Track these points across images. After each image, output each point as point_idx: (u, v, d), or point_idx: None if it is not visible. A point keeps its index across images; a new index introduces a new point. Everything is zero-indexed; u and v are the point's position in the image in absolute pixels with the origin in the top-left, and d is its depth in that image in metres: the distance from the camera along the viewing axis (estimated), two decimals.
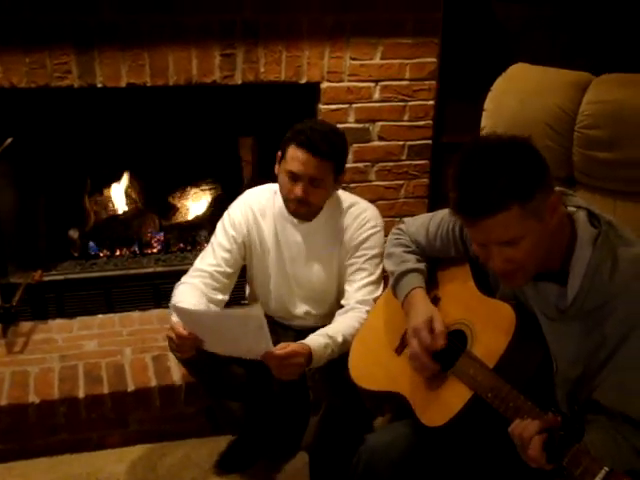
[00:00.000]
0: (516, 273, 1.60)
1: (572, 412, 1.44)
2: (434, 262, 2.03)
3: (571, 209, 1.63)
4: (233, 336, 2.03)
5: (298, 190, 2.23)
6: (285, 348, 2.04)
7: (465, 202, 1.52)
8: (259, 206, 2.45)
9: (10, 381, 2.70)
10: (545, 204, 1.50)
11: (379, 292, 2.35)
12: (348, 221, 2.40)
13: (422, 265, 2.01)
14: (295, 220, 2.40)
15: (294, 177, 2.24)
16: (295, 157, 2.22)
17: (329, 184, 2.28)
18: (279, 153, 2.31)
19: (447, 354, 1.78)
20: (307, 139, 2.20)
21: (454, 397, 1.71)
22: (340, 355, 2.18)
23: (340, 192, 2.46)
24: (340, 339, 2.17)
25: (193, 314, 2.11)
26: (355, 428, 2.27)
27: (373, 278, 2.35)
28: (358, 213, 2.41)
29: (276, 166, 2.33)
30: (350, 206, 2.42)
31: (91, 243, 3.39)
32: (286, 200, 2.32)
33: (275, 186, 2.40)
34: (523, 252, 1.54)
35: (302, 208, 2.30)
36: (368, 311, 2.28)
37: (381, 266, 2.36)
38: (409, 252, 2.04)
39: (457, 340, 1.79)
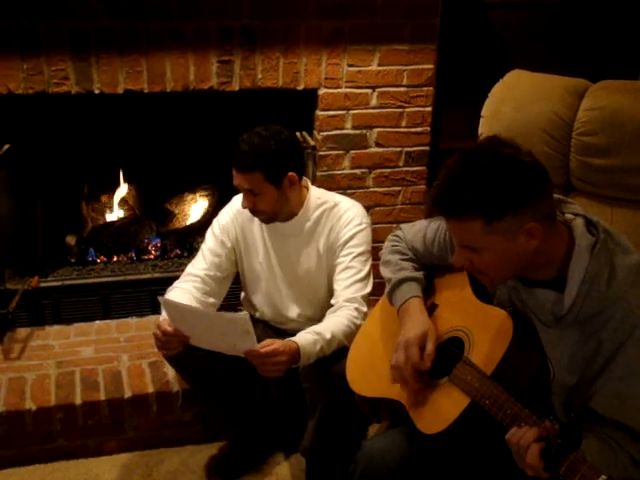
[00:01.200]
0: (477, 274, 1.67)
1: (569, 420, 1.44)
2: (431, 269, 2.03)
3: (569, 216, 1.64)
4: (219, 334, 2.06)
5: (243, 202, 2.33)
6: (268, 346, 2.05)
7: (437, 199, 1.57)
8: (246, 210, 2.47)
9: (7, 387, 2.69)
10: (520, 228, 1.51)
11: (368, 289, 2.37)
12: (333, 221, 2.42)
13: (420, 274, 2.01)
14: (277, 221, 2.42)
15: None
16: (233, 174, 2.30)
17: (268, 191, 2.30)
18: None
19: (444, 361, 1.78)
20: (233, 156, 2.28)
21: (451, 404, 1.70)
22: (333, 355, 2.20)
23: (324, 192, 2.50)
24: (328, 336, 2.18)
25: (181, 308, 2.14)
26: (352, 430, 2.28)
27: (361, 276, 2.36)
28: (342, 212, 2.43)
29: None
30: (334, 206, 2.44)
31: (89, 249, 3.39)
32: None
33: None
34: (483, 261, 1.58)
35: (259, 216, 2.38)
36: (357, 308, 2.30)
37: (368, 263, 2.39)
38: (406, 259, 2.04)
39: (454, 347, 1.79)
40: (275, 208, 2.34)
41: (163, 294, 2.35)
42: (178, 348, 2.17)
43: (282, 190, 2.31)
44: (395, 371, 1.82)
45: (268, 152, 2.26)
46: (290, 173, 2.31)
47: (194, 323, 2.12)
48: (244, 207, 2.33)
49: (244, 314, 1.98)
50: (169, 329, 2.12)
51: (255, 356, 2.04)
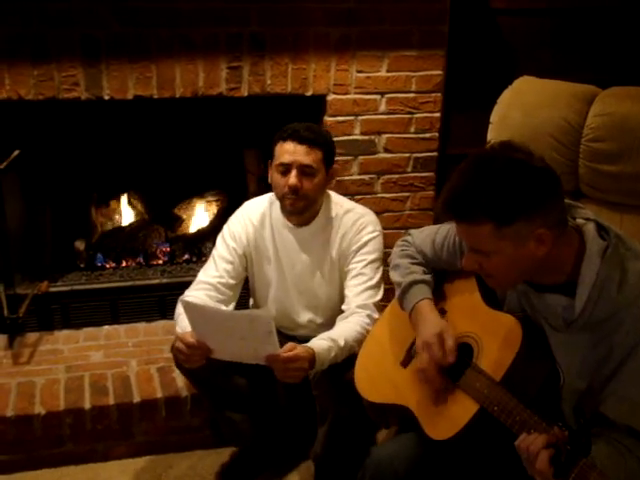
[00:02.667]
0: (486, 278, 1.67)
1: (579, 425, 1.44)
2: (440, 275, 2.03)
3: (580, 221, 1.64)
4: (241, 335, 2.01)
5: (291, 179, 2.26)
6: (290, 351, 2.04)
7: (448, 202, 1.57)
8: (257, 216, 2.47)
9: (16, 392, 2.70)
10: (530, 233, 1.51)
11: (379, 297, 2.37)
12: (346, 227, 2.42)
13: (429, 277, 2.01)
14: (292, 226, 2.42)
15: (285, 169, 2.28)
16: (283, 150, 2.28)
17: (321, 175, 2.31)
18: (270, 161, 2.36)
19: (454, 367, 1.78)
20: (292, 131, 2.27)
21: (460, 411, 1.70)
22: (343, 362, 2.19)
23: (337, 198, 2.49)
24: (342, 343, 2.17)
25: (202, 310, 2.10)
26: (362, 438, 2.27)
27: (372, 283, 2.36)
28: (356, 219, 2.43)
29: (269, 175, 2.37)
30: (347, 212, 2.44)
31: (98, 254, 3.40)
32: (281, 198, 2.34)
33: (273, 195, 2.42)
34: (492, 265, 1.59)
35: (298, 201, 2.31)
36: (369, 315, 2.29)
37: (380, 270, 2.39)
38: (415, 263, 2.04)
39: (463, 353, 1.79)
40: (316, 196, 2.34)
41: (174, 299, 2.35)
42: (200, 362, 2.12)
43: (326, 180, 2.35)
44: (421, 373, 1.83)
45: (328, 137, 2.40)
46: (335, 165, 2.38)
47: (216, 326, 2.05)
48: (291, 184, 2.26)
49: (267, 311, 1.95)
50: (193, 341, 2.07)
51: (277, 361, 2.02)
